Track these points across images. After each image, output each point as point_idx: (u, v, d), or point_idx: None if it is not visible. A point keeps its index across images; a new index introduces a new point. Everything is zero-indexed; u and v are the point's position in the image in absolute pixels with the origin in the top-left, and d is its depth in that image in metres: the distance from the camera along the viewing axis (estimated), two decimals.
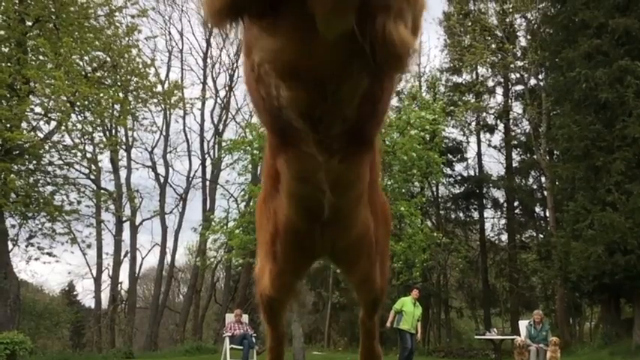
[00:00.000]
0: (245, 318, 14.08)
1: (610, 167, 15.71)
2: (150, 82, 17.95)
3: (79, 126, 16.58)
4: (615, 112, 16.07)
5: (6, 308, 14.44)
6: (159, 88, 20.00)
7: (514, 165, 26.12)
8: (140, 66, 17.55)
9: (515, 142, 26.05)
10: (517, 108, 26.52)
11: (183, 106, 22.33)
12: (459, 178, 26.53)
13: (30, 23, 15.47)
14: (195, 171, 27.47)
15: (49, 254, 17.31)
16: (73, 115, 16.09)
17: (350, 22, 0.97)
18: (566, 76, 17.20)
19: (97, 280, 25.81)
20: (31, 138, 15.35)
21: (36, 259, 17.40)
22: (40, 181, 16.39)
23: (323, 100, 1.11)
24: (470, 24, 24.96)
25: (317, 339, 25.09)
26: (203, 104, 26.80)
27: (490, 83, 26.70)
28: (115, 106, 17.37)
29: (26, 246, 16.99)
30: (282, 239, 1.59)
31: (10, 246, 16.37)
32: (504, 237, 26.72)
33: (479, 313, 26.60)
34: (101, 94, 16.10)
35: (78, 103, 15.75)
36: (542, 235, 25.27)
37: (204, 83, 27.26)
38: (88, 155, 18.15)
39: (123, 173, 25.05)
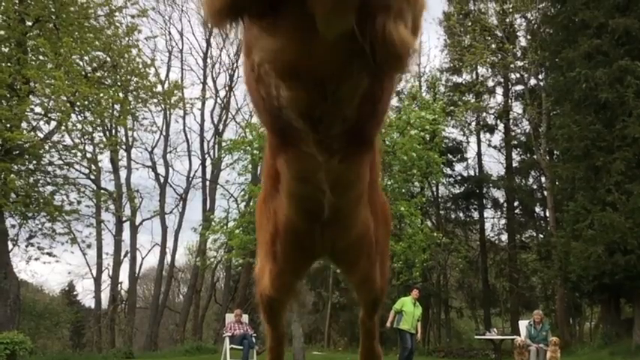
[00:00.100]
0: (245, 318, 14.08)
1: (610, 167, 15.71)
2: (150, 82, 17.96)
3: (79, 126, 16.59)
4: (615, 112, 16.07)
5: (6, 308, 14.44)
6: (159, 88, 20.01)
7: (514, 165, 26.13)
8: (140, 66, 17.56)
9: (515, 142, 26.05)
10: (517, 108, 26.58)
11: (183, 106, 22.34)
12: (459, 178, 26.55)
13: (30, 23, 15.47)
14: (195, 171, 27.51)
15: (49, 254, 17.34)
16: (73, 115, 16.10)
17: (350, 22, 0.96)
18: (566, 76, 17.20)
19: (97, 280, 25.84)
20: (31, 138, 15.35)
21: (36, 259, 17.44)
22: (40, 181, 16.39)
23: (323, 100, 1.10)
24: (470, 24, 24.96)
25: (317, 339, 25.09)
26: (203, 104, 26.85)
27: (490, 83, 26.74)
28: (115, 106, 17.37)
29: (26, 246, 17.02)
30: (282, 239, 1.58)
31: (10, 246, 16.39)
32: (504, 237, 26.76)
33: (479, 313, 26.61)
34: (101, 94, 16.10)
35: (78, 103, 15.75)
36: (542, 235, 25.28)
37: (204, 83, 27.30)
38: (88, 155, 18.17)
39: (123, 173, 25.10)
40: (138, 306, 28.58)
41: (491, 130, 26.59)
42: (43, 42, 14.80)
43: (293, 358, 13.22)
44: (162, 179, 26.49)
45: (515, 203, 26.15)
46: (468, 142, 26.64)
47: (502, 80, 26.39)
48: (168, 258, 27.20)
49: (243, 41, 1.12)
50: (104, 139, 19.40)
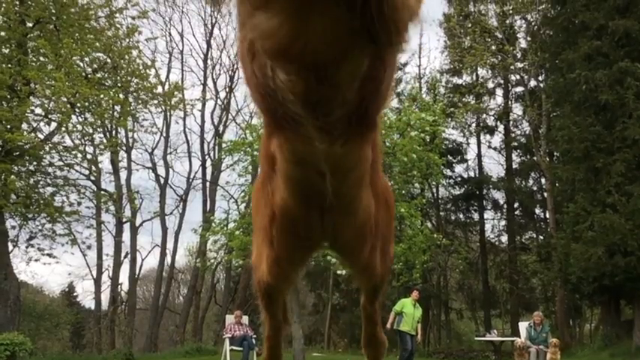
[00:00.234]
0: (245, 319, 14.09)
1: (610, 169, 15.71)
2: (150, 83, 17.95)
3: (80, 127, 16.57)
4: (615, 113, 16.08)
5: (6, 309, 14.43)
6: (159, 89, 20.01)
7: (514, 166, 26.15)
8: (140, 67, 17.57)
9: (516, 144, 26.08)
10: (517, 109, 26.61)
11: (184, 107, 22.34)
12: (459, 179, 26.58)
13: (30, 24, 15.48)
14: (196, 172, 27.53)
15: (49, 255, 17.31)
16: (73, 117, 16.08)
17: None
18: (566, 78, 17.21)
19: (97, 282, 25.84)
20: (31, 139, 15.35)
21: (36, 260, 17.41)
22: (41, 182, 16.38)
23: (321, 84, 1.03)
24: (470, 25, 24.99)
25: (317, 340, 25.10)
26: (203, 105, 26.87)
27: (490, 85, 26.77)
28: (116, 107, 17.38)
29: (26, 247, 17.00)
30: (277, 224, 1.52)
31: (11, 247, 16.38)
32: (504, 238, 26.79)
33: (479, 314, 26.61)
34: (101, 96, 16.09)
35: (78, 105, 15.75)
36: (542, 237, 25.29)
37: (204, 84, 27.34)
38: (89, 156, 18.13)
39: (123, 174, 25.12)
40: (138, 307, 28.58)
41: (492, 131, 26.63)
42: (43, 43, 14.81)
43: (293, 359, 13.22)
44: (162, 180, 26.53)
45: (516, 205, 26.16)
46: (468, 144, 26.72)
47: (502, 82, 26.43)
48: (168, 259, 27.25)
49: (237, 16, 1.04)
50: (104, 141, 19.42)
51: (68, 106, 15.13)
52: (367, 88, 1.09)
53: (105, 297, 26.19)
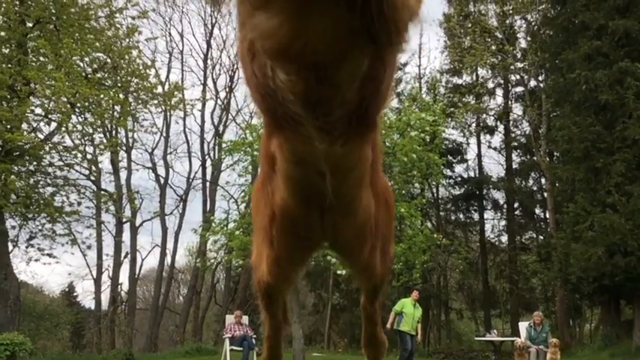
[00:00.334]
0: (245, 319, 14.09)
1: (610, 169, 15.71)
2: (150, 83, 17.95)
3: (80, 127, 16.56)
4: (615, 113, 16.08)
5: (6, 309, 14.43)
6: (159, 89, 20.01)
7: (514, 166, 26.15)
8: (140, 67, 17.57)
9: (516, 144, 26.08)
10: (517, 109, 26.61)
11: (184, 107, 22.34)
12: (459, 179, 26.58)
13: (30, 24, 15.48)
14: (196, 172, 27.53)
15: (49, 255, 17.31)
16: (73, 117, 16.08)
17: None
18: (566, 78, 17.21)
19: (97, 282, 25.85)
20: (31, 139, 15.35)
21: (36, 260, 17.40)
22: (41, 182, 16.38)
23: (321, 85, 1.03)
24: (470, 25, 24.99)
25: (317, 340, 25.10)
26: (203, 105, 26.87)
27: (490, 85, 26.78)
28: (116, 107, 17.38)
29: (26, 247, 17.00)
30: (277, 224, 1.52)
31: (11, 247, 16.38)
32: (504, 238, 26.79)
33: (479, 314, 26.61)
34: (101, 96, 16.09)
35: (78, 105, 15.75)
36: (542, 237, 25.29)
37: (204, 84, 27.34)
38: (89, 156, 18.13)
39: (123, 174, 25.12)
40: (138, 307, 28.58)
41: (492, 131, 26.64)
42: (43, 43, 14.81)
43: (293, 359, 13.22)
44: (162, 180, 26.54)
45: (516, 205, 26.17)
46: (468, 144, 26.73)
47: (502, 82, 26.43)
48: (168, 259, 27.25)
49: (237, 16, 1.04)
50: (104, 141, 19.43)
51: (68, 106, 15.13)
52: (367, 88, 1.09)
53: (105, 297, 26.25)
